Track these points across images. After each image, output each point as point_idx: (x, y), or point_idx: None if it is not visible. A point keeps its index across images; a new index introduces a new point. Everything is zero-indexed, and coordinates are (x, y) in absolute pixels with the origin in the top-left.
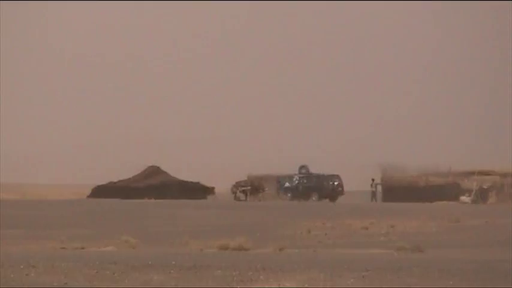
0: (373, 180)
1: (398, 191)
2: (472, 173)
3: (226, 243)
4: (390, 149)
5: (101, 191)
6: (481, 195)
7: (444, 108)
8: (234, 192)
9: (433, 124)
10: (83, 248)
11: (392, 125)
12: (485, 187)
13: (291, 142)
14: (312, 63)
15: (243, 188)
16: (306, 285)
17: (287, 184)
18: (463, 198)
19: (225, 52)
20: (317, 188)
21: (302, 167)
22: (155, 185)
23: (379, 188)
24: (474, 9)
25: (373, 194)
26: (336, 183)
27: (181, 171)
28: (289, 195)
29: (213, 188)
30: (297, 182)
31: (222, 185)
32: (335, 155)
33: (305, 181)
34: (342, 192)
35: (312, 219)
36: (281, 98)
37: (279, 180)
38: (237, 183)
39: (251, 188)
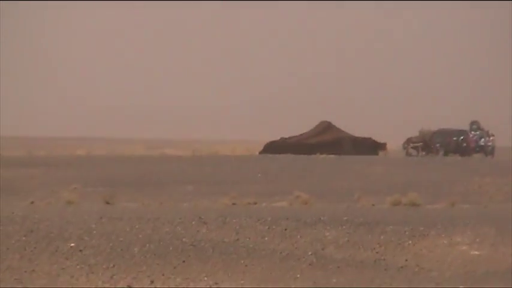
0: None
1: None
2: None
3: (398, 198)
4: None
5: (272, 148)
6: None
7: None
8: (406, 148)
9: None
10: (255, 204)
11: None
12: None
13: (463, 97)
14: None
15: (415, 144)
16: (477, 240)
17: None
18: None
19: None
20: (444, 143)
21: (473, 122)
22: (327, 141)
23: None
24: None
25: None
26: (461, 138)
27: (353, 127)
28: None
29: (385, 144)
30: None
31: (395, 141)
32: (508, 109)
33: (436, 137)
34: (470, 149)
35: (483, 175)
36: (445, 54)
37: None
38: (408, 139)
39: (423, 143)
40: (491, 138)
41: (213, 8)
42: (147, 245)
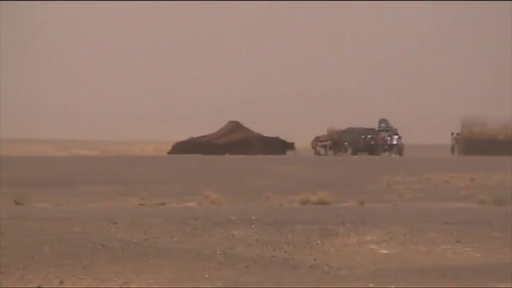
0: (452, 133)
1: (478, 144)
2: None
3: (307, 197)
4: (471, 102)
5: (181, 147)
6: None
7: None
8: (314, 147)
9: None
10: (163, 204)
11: (473, 79)
12: None
13: (373, 96)
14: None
15: (324, 143)
16: (386, 239)
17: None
18: None
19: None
20: (353, 142)
21: (382, 120)
22: (236, 141)
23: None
24: None
25: (453, 147)
26: (369, 137)
27: (262, 126)
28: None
29: (293, 143)
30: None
31: (303, 140)
32: (415, 109)
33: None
34: (379, 147)
35: (392, 173)
36: (361, 54)
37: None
38: (317, 138)
39: (331, 142)
40: (399, 136)
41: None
42: (57, 245)
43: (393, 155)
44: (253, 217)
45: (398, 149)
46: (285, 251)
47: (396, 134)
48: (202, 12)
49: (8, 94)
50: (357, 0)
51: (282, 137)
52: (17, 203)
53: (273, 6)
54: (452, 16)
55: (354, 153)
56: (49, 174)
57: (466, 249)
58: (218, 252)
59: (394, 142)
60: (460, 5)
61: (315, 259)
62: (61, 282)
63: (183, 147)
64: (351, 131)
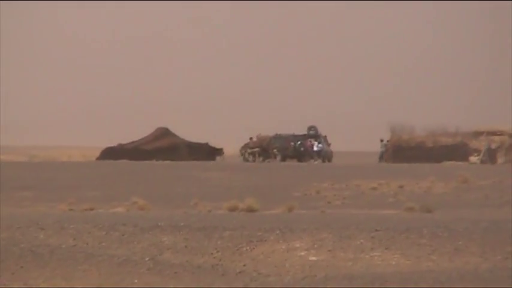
0: (381, 140)
1: (406, 151)
2: (481, 133)
3: (235, 204)
4: (399, 109)
5: (109, 153)
6: (490, 155)
7: (452, 68)
8: (243, 154)
9: (441, 84)
10: (92, 210)
11: (400, 86)
12: (493, 147)
13: (302, 102)
14: (313, 25)
15: (252, 149)
16: (315, 246)
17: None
18: (472, 158)
19: (231, 16)
20: (282, 148)
21: (311, 127)
22: (164, 147)
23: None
24: None
25: (382, 155)
26: (298, 143)
27: (190, 133)
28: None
29: (221, 150)
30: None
31: (232, 147)
32: (344, 115)
33: (274, 142)
34: (307, 154)
35: (321, 180)
36: (290, 59)
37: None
38: (245, 144)
39: (260, 149)
40: (328, 143)
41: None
42: None
43: (322, 162)
44: (182, 223)
45: (327, 156)
46: (213, 258)
47: (325, 141)
48: (130, 13)
49: None
50: (279, 0)
51: (211, 144)
52: None
53: (196, 6)
54: (381, 18)
55: (283, 160)
56: None
57: (395, 256)
58: (146, 258)
59: (323, 149)
60: (382, 8)
61: (243, 266)
62: None
63: (111, 153)
64: (279, 137)
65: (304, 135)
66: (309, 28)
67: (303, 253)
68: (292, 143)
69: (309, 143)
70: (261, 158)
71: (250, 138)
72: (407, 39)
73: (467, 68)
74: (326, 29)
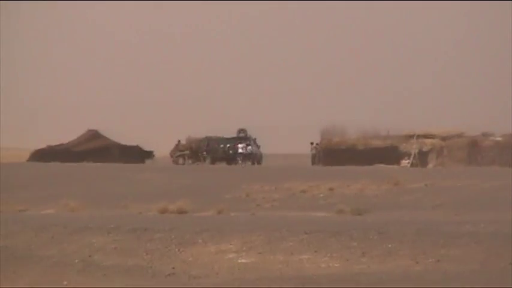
0: (312, 143)
1: (337, 153)
2: (412, 136)
3: (166, 206)
4: (330, 111)
5: (40, 155)
6: (421, 158)
7: (383, 71)
8: (173, 156)
9: (372, 86)
10: (22, 211)
11: (332, 88)
12: (424, 150)
13: (233, 104)
14: (247, 34)
15: (182, 152)
16: (244, 248)
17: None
18: (403, 161)
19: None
20: (212, 151)
21: (241, 130)
22: (94, 149)
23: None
24: None
25: (313, 157)
26: (228, 146)
27: (120, 135)
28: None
29: (152, 152)
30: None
31: (162, 149)
32: (275, 118)
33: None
34: (237, 156)
35: (250, 182)
36: (219, 61)
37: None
38: (175, 147)
39: (190, 151)
40: (258, 146)
41: None
42: None
43: (252, 164)
44: (112, 225)
45: (257, 158)
46: (143, 260)
47: (255, 143)
48: (56, 12)
49: None
50: (212, 0)
51: (141, 146)
52: None
53: (135, 7)
54: (313, 19)
55: (213, 162)
56: None
57: (325, 258)
58: (76, 260)
59: (253, 151)
60: (316, 9)
61: (173, 268)
62: None
63: (42, 155)
64: (209, 140)
65: (234, 138)
66: (238, 28)
67: (232, 255)
68: (222, 146)
69: (238, 145)
70: (190, 161)
71: (179, 141)
72: (338, 40)
73: (398, 70)
74: (255, 29)
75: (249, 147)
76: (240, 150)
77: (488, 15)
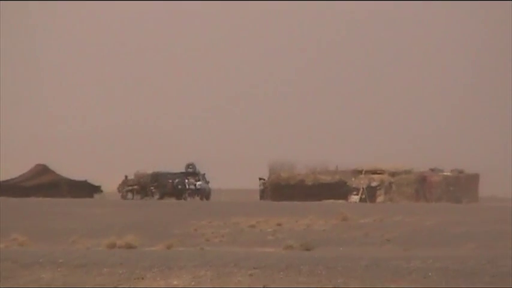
0: (260, 179)
1: (286, 189)
2: (360, 172)
3: (114, 241)
4: (278, 147)
5: None
6: (369, 193)
7: (330, 105)
8: (121, 191)
9: (320, 122)
10: None
11: (281, 123)
12: (373, 185)
13: (181, 139)
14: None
15: (131, 187)
16: (193, 283)
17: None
18: (352, 196)
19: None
20: (160, 186)
21: (189, 165)
22: (43, 184)
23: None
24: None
25: (262, 192)
26: (176, 181)
27: (68, 169)
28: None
29: (99, 187)
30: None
31: (110, 184)
32: (224, 153)
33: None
34: (186, 191)
35: (199, 217)
36: (165, 95)
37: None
38: (124, 181)
39: (138, 186)
40: (206, 181)
41: None
42: None
43: (200, 199)
44: (61, 260)
45: (206, 193)
46: None
47: (204, 178)
48: None
49: None
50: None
51: (90, 180)
52: None
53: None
54: (260, 59)
55: (161, 197)
56: None
57: None
58: None
59: (200, 186)
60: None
61: None
62: None
63: None
64: (158, 175)
65: (183, 172)
66: (184, 61)
67: None
68: (170, 181)
69: (187, 180)
70: (139, 196)
71: (126, 176)
72: (284, 75)
73: (345, 105)
74: (200, 62)
75: (199, 182)
76: (188, 186)
77: (421, 58)
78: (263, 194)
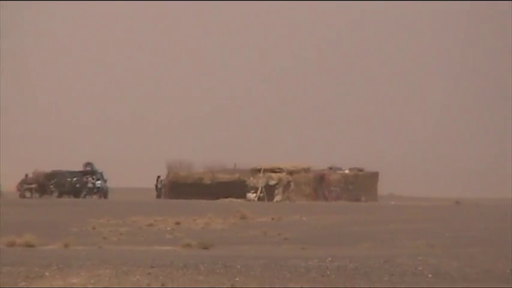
0: (158, 177)
1: (184, 187)
2: (259, 170)
3: (13, 239)
4: (176, 146)
5: None
6: (267, 192)
7: (228, 106)
8: (20, 190)
9: (220, 121)
10: None
11: (179, 122)
12: (271, 184)
13: (80, 138)
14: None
15: (29, 185)
16: (92, 281)
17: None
18: (249, 195)
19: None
20: (59, 185)
21: (87, 164)
22: None
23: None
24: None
25: (159, 191)
26: (75, 179)
27: None
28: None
29: None
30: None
31: (8, 183)
32: (122, 152)
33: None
34: (84, 190)
35: (97, 216)
36: (68, 92)
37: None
38: (22, 180)
39: (37, 185)
40: (104, 179)
41: None
42: None
43: (98, 198)
44: None
45: (104, 192)
46: None
47: (102, 177)
48: None
49: None
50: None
51: None
52: None
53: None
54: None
55: (60, 196)
56: None
57: None
58: None
59: (99, 185)
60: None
61: None
62: None
63: None
64: (56, 173)
65: (81, 171)
66: (96, 63)
67: None
68: (68, 179)
69: (85, 179)
70: (38, 194)
71: (26, 175)
72: (187, 74)
73: (247, 104)
74: (113, 67)
75: (98, 181)
76: (99, 185)
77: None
78: (160, 193)
